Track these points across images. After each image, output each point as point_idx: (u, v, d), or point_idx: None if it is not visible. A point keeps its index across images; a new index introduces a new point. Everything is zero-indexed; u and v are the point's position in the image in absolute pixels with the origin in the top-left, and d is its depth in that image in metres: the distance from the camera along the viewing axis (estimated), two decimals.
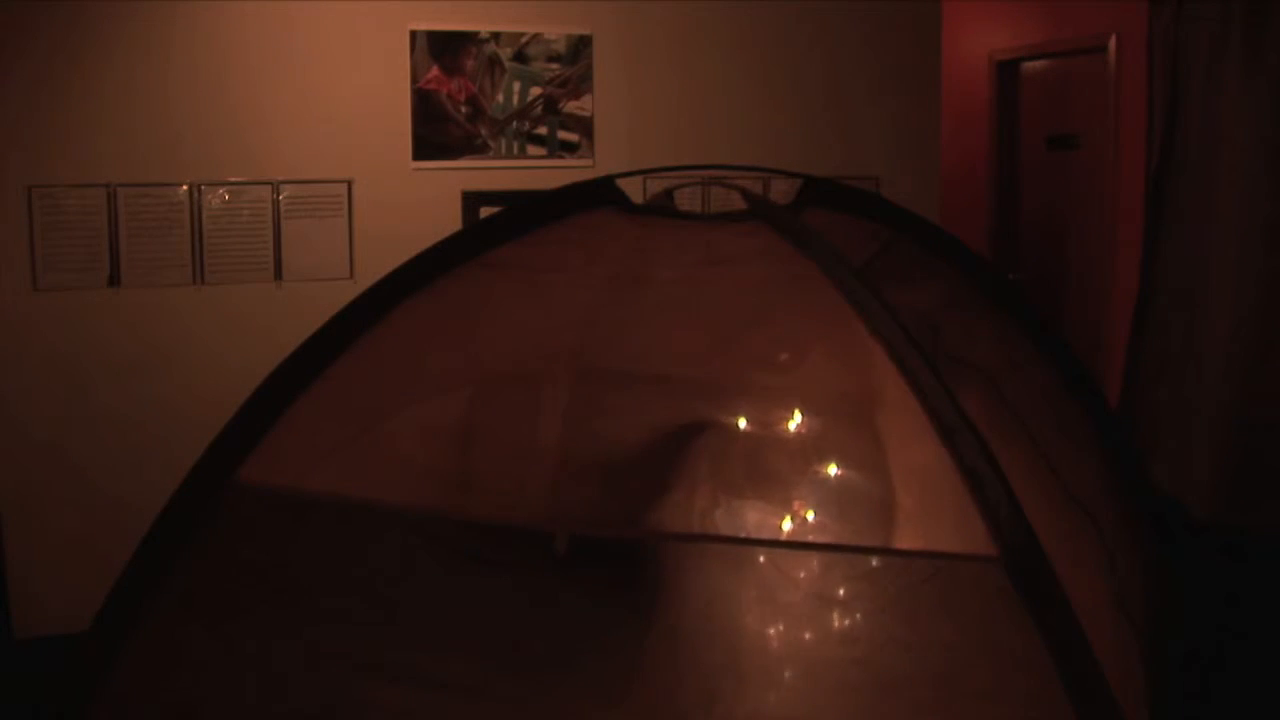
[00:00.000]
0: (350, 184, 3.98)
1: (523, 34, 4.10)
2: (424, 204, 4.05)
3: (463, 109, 4.08)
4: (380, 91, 3.99)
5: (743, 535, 2.17)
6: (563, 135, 4.19)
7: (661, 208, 2.54)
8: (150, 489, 2.30)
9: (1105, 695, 1.54)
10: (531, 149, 4.17)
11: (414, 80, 4.02)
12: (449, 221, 4.05)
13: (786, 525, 2.18)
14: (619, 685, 1.79)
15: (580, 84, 4.19)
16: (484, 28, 4.07)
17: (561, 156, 4.20)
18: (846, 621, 1.74)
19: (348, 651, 1.80)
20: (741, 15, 4.32)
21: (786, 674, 1.74)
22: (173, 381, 3.83)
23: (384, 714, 1.76)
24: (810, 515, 2.11)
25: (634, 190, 2.56)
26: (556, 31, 4.14)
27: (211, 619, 1.86)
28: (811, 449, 2.13)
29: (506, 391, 2.25)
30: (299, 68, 3.90)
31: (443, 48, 4.03)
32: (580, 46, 4.17)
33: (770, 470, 2.13)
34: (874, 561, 1.87)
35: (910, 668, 1.68)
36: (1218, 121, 4.04)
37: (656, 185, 3.85)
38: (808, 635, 1.76)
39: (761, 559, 1.89)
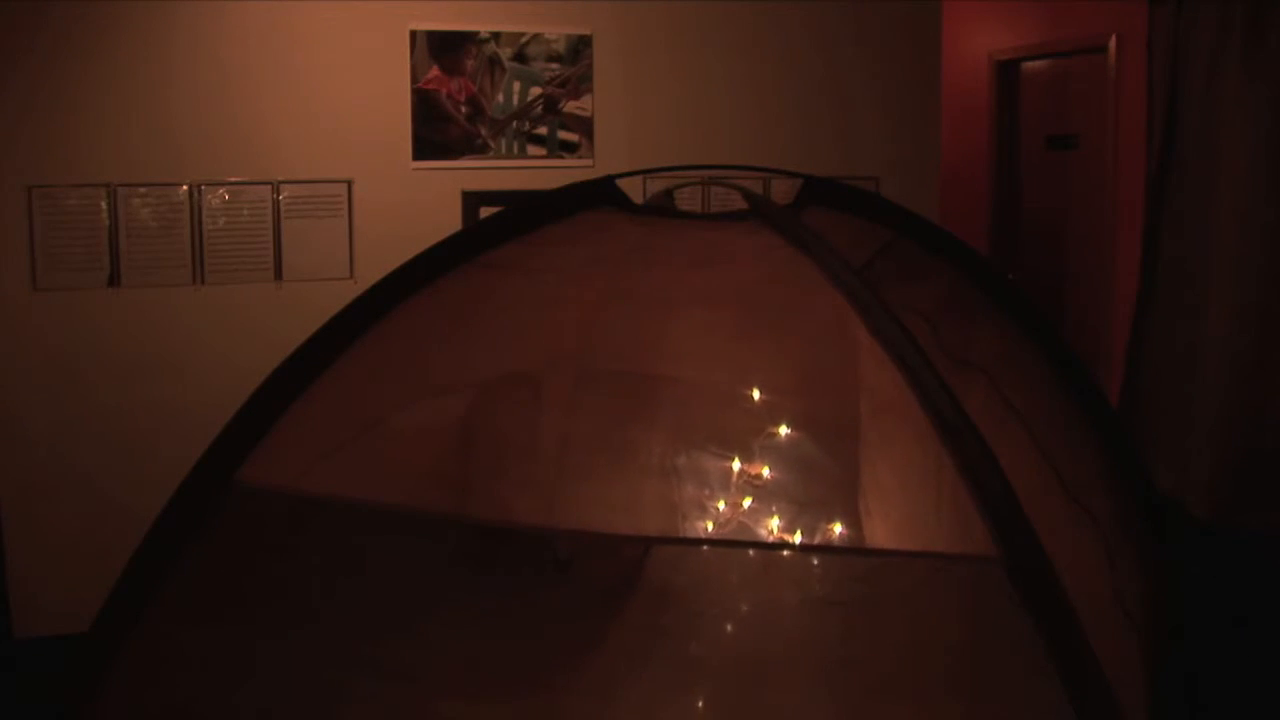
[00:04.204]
0: (350, 184, 3.98)
1: (523, 34, 4.10)
2: (424, 204, 4.05)
3: (463, 109, 4.08)
4: (380, 91, 3.99)
5: (742, 540, 2.17)
6: (563, 135, 4.19)
7: (661, 208, 2.54)
8: (150, 489, 2.30)
9: (1105, 695, 1.54)
10: (531, 149, 4.17)
11: (414, 80, 4.02)
12: (449, 221, 4.05)
13: (798, 537, 2.17)
14: (614, 686, 1.79)
15: (580, 84, 4.19)
16: (484, 28, 4.07)
17: (561, 156, 4.20)
18: (846, 622, 1.74)
19: (347, 652, 1.80)
20: (741, 15, 4.32)
21: (784, 675, 1.74)
22: (173, 381, 3.83)
23: (382, 714, 1.76)
24: (837, 528, 2.11)
25: (634, 190, 2.56)
26: (556, 31, 4.14)
27: (211, 619, 1.86)
28: (803, 452, 2.13)
29: (506, 392, 2.25)
30: (299, 68, 3.90)
31: (443, 48, 4.03)
32: (580, 46, 4.17)
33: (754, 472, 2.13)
34: (874, 562, 1.87)
35: (910, 668, 1.67)
36: (1218, 121, 4.04)
37: (656, 185, 3.84)
38: (807, 636, 1.76)
39: (771, 561, 1.88)
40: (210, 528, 1.85)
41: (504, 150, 4.13)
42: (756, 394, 2.15)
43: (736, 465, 2.15)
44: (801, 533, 2.14)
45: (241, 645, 1.83)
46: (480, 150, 4.11)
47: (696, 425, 2.18)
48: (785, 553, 1.93)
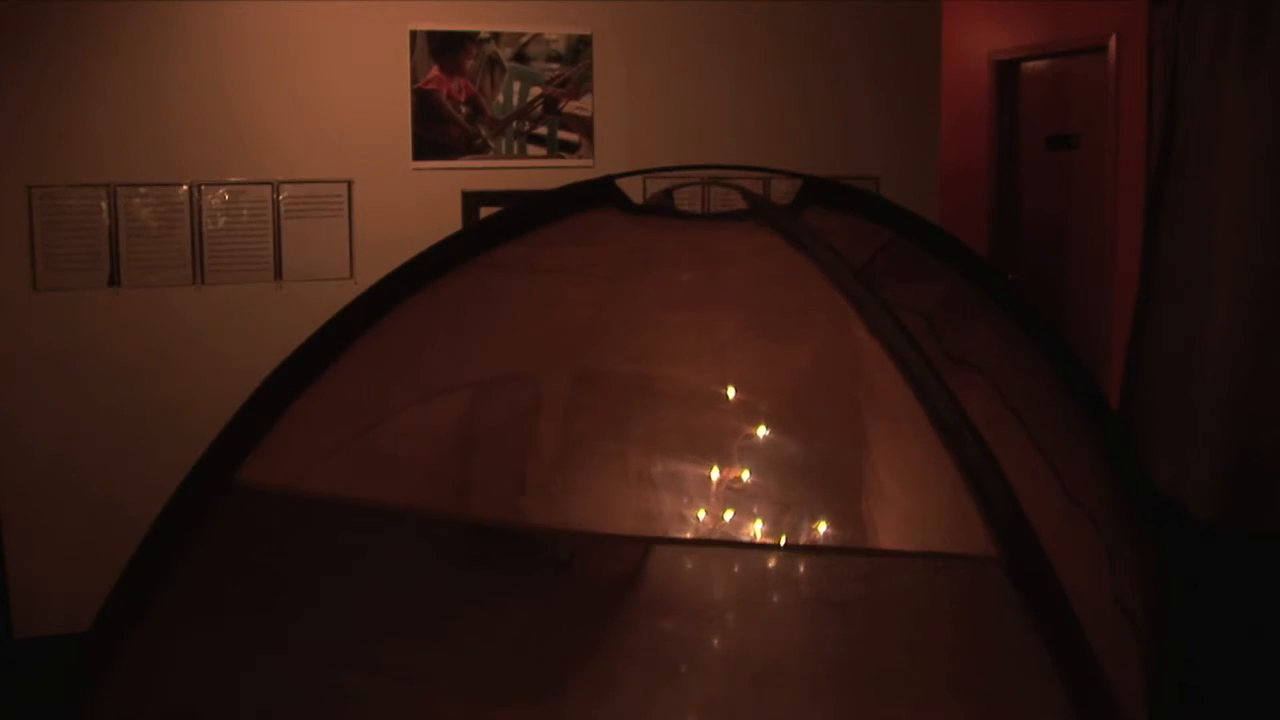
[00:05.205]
0: (350, 184, 3.98)
1: (523, 34, 4.11)
2: (424, 204, 4.05)
3: (463, 109, 4.08)
4: (380, 91, 3.99)
5: (744, 541, 2.17)
6: (563, 135, 4.19)
7: (661, 208, 2.54)
8: (150, 489, 2.30)
9: (1104, 695, 1.54)
10: (531, 149, 4.17)
11: (414, 80, 4.02)
12: (449, 221, 4.05)
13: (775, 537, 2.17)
14: (615, 689, 1.79)
15: (580, 84, 4.19)
16: (484, 28, 4.07)
17: (561, 156, 4.20)
18: (845, 622, 1.74)
19: (346, 652, 1.80)
20: (741, 15, 4.32)
21: (785, 676, 1.74)
22: (172, 382, 3.83)
23: (382, 715, 1.76)
24: (822, 527, 2.11)
25: (634, 190, 2.56)
26: (556, 31, 4.14)
27: (211, 619, 1.86)
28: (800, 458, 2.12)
29: (506, 392, 2.25)
30: (299, 68, 3.90)
31: (443, 48, 4.03)
32: (580, 46, 4.17)
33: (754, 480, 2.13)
34: (874, 562, 1.87)
35: (910, 668, 1.67)
36: (1218, 121, 4.04)
37: (656, 185, 3.84)
38: (807, 636, 1.76)
39: (770, 561, 1.89)
40: (210, 528, 1.85)
41: (504, 150, 4.14)
42: (753, 395, 2.15)
43: (723, 472, 2.15)
44: (796, 532, 2.14)
45: (241, 645, 1.83)
46: (480, 150, 4.11)
47: (694, 426, 2.18)
48: (785, 553, 1.93)
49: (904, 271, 2.29)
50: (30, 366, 3.72)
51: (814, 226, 2.03)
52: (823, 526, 2.07)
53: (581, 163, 4.21)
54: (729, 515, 2.16)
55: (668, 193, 2.68)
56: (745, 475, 2.13)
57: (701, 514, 2.15)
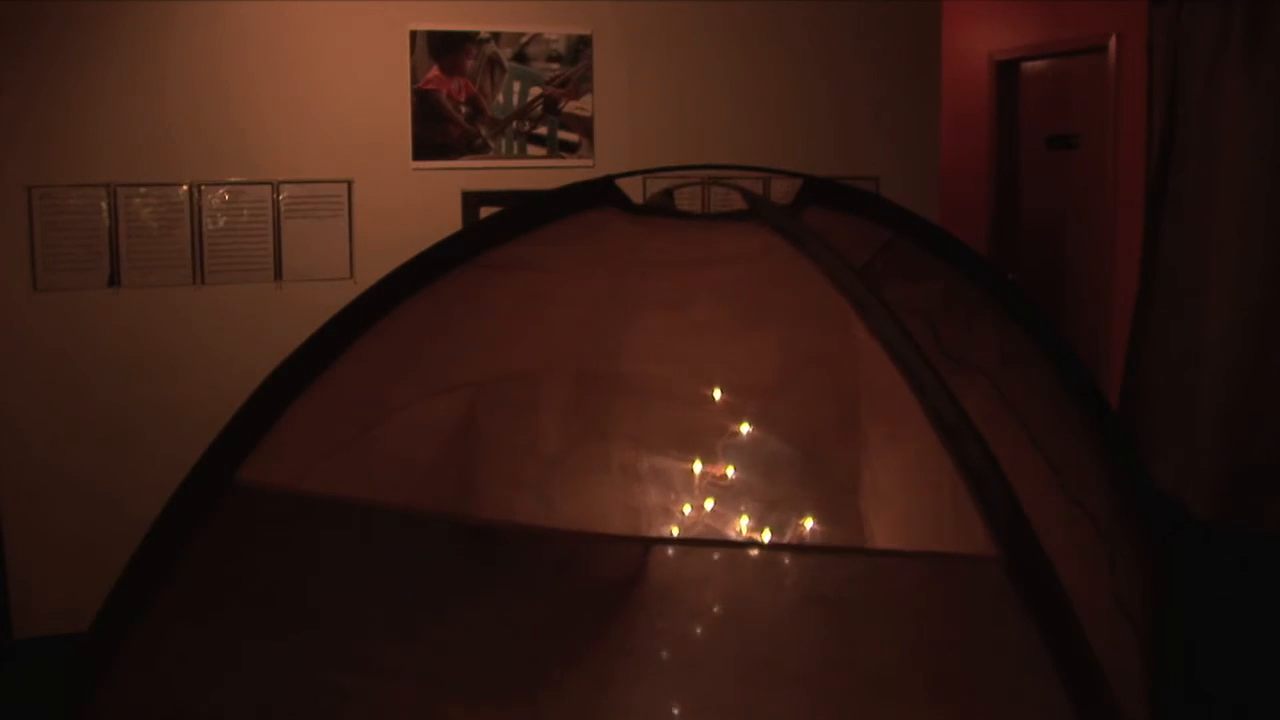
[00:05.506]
0: (350, 184, 3.98)
1: (523, 34, 4.11)
2: (424, 204, 4.05)
3: (463, 109, 4.08)
4: (380, 91, 3.99)
5: (745, 541, 2.17)
6: (563, 135, 4.19)
7: (661, 208, 2.54)
8: (150, 489, 2.30)
9: (1105, 695, 1.54)
10: (531, 149, 4.17)
11: (414, 80, 4.02)
12: (449, 221, 4.05)
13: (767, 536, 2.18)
14: (613, 688, 1.79)
15: (580, 84, 4.19)
16: (484, 28, 4.07)
17: (561, 156, 4.20)
18: (845, 622, 1.74)
19: (346, 652, 1.80)
20: (742, 15, 4.32)
21: (784, 675, 1.74)
22: (172, 382, 3.83)
23: (381, 714, 1.76)
24: (809, 523, 2.11)
25: (634, 190, 2.56)
26: (556, 31, 4.14)
27: (211, 619, 1.86)
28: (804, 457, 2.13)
29: (506, 392, 2.25)
30: (299, 68, 3.90)
31: (443, 48, 4.03)
32: (580, 46, 4.17)
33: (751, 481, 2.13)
34: (873, 562, 1.87)
35: (910, 668, 1.67)
36: (1218, 121, 4.04)
37: (656, 185, 3.84)
38: (806, 636, 1.76)
39: (772, 562, 1.89)
40: (210, 527, 1.85)
41: (504, 150, 4.13)
42: (752, 395, 2.15)
43: (707, 467, 2.15)
44: (802, 533, 2.14)
45: (241, 645, 1.83)
46: (480, 150, 4.11)
47: (688, 424, 2.18)
48: (785, 554, 1.93)
49: (904, 271, 2.29)
50: (30, 366, 3.72)
51: (814, 226, 2.04)
52: (809, 523, 2.07)
53: (581, 163, 4.21)
54: (710, 505, 2.16)
55: (668, 193, 2.69)
56: (730, 471, 2.13)
57: (688, 509, 2.15)
